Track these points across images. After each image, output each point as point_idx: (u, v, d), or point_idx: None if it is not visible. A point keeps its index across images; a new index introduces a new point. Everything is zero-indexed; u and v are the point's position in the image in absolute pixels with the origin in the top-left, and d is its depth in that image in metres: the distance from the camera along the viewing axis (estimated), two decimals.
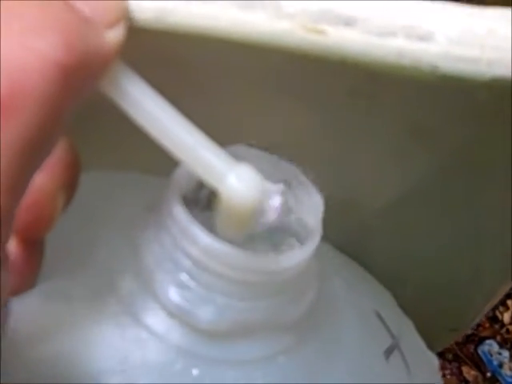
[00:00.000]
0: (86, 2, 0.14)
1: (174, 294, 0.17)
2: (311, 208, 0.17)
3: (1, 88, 0.12)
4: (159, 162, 0.16)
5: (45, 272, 0.17)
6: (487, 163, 0.19)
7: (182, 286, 0.17)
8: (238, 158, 0.16)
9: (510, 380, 0.62)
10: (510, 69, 0.14)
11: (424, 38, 0.14)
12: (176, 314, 0.17)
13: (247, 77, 0.17)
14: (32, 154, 0.13)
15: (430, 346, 0.25)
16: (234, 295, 0.17)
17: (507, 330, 0.67)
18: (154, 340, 0.17)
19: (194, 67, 0.16)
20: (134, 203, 0.19)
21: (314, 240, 0.17)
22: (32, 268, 0.17)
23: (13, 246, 0.16)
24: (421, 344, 0.24)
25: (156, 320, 0.17)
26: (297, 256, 0.17)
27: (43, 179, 0.16)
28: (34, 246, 0.17)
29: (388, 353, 0.21)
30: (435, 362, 0.23)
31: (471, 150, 0.18)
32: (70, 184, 0.17)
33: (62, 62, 0.12)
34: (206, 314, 0.17)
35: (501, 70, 0.14)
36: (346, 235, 0.23)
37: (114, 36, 0.14)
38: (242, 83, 0.17)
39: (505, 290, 0.27)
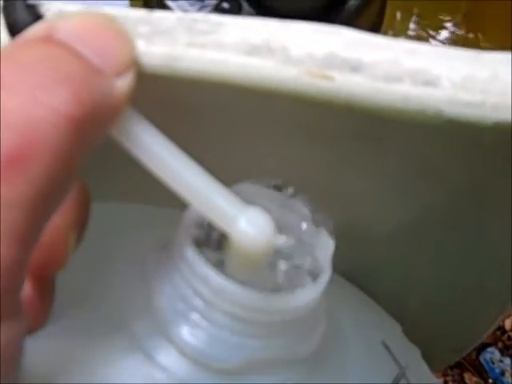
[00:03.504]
0: (94, 51, 0.14)
1: (186, 334, 0.17)
2: (321, 246, 0.18)
3: (13, 143, 0.12)
4: (165, 193, 0.16)
5: (56, 310, 0.17)
6: (493, 200, 0.19)
7: (193, 325, 0.17)
8: (249, 197, 0.16)
9: None
10: None
11: (430, 82, 0.15)
12: (188, 353, 0.17)
13: (257, 120, 0.17)
14: (45, 205, 0.13)
15: (430, 366, 0.25)
16: (245, 334, 0.17)
17: (508, 337, 0.68)
18: (166, 378, 0.17)
19: (204, 112, 0.17)
20: (143, 238, 0.20)
21: (325, 278, 0.17)
22: (44, 306, 0.17)
23: (25, 285, 0.16)
24: (427, 372, 0.24)
25: (168, 359, 0.17)
26: (308, 295, 0.17)
27: (55, 220, 0.16)
28: (45, 284, 0.17)
29: (395, 383, 0.21)
30: None
31: (478, 187, 0.19)
32: (81, 222, 0.17)
33: (72, 115, 0.12)
34: (218, 353, 0.17)
35: (504, 115, 0.15)
36: (351, 264, 0.24)
37: (124, 84, 0.14)
38: (251, 127, 0.17)
39: (507, 313, 0.27)
